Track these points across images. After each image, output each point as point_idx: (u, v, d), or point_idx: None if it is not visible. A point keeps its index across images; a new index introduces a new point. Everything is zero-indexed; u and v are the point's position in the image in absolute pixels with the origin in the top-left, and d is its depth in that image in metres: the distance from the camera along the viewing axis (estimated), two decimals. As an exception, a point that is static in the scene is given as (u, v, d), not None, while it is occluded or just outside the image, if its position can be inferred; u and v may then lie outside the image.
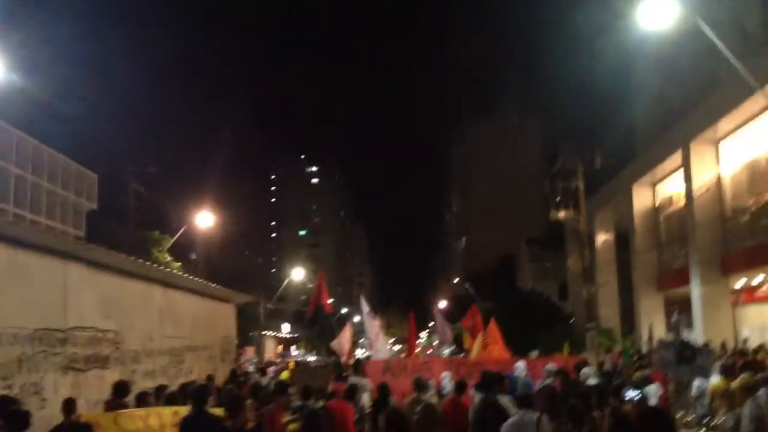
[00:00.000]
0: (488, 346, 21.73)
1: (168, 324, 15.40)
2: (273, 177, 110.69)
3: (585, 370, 13.65)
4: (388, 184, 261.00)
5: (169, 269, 17.92)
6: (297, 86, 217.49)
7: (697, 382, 12.41)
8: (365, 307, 20.70)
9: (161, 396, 11.16)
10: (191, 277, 17.60)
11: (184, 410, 8.70)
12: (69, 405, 8.82)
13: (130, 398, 10.72)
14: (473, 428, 9.38)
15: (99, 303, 12.03)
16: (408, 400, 11.06)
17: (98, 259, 11.87)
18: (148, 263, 13.86)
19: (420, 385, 11.21)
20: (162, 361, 14.65)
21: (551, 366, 13.94)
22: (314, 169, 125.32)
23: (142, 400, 10.57)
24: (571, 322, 36.55)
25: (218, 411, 8.36)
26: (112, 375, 12.07)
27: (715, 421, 10.35)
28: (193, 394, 8.39)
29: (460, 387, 10.81)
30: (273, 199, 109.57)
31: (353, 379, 13.37)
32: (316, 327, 61.29)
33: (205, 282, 18.23)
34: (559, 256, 50.60)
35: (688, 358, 9.60)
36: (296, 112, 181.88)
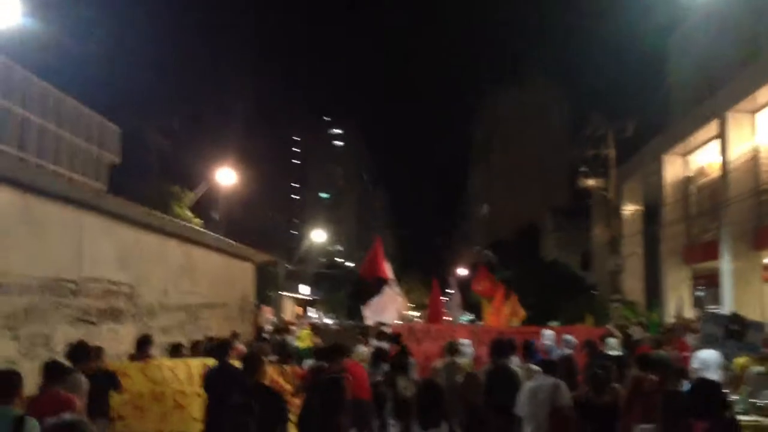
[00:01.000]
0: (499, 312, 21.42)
1: (185, 280, 15.09)
2: (297, 138, 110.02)
3: (610, 341, 13.33)
4: (411, 150, 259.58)
5: (188, 224, 17.58)
6: (323, 47, 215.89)
7: (703, 354, 11.93)
8: (390, 274, 20.42)
9: (197, 350, 11.30)
10: (210, 232, 17.27)
11: (212, 362, 8.85)
12: (98, 352, 8.67)
13: (157, 352, 10.63)
14: (484, 390, 9.45)
15: (115, 255, 11.70)
16: (441, 363, 11.20)
17: (115, 210, 11.52)
18: (166, 216, 13.49)
19: (453, 350, 11.27)
20: (178, 317, 14.36)
21: (569, 336, 13.85)
22: (338, 131, 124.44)
23: (177, 351, 10.52)
24: (593, 293, 36.05)
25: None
26: (127, 329, 11.80)
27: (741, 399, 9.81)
28: (216, 347, 8.62)
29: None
30: (296, 160, 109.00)
31: (375, 343, 13.48)
32: (341, 290, 61.25)
33: (223, 238, 17.88)
34: (583, 226, 49.83)
35: (736, 334, 9.07)
36: (321, 74, 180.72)
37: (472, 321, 31.33)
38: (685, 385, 8.25)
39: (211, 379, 8.11)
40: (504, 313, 20.30)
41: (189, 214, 27.23)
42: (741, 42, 29.00)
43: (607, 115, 26.29)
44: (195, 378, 9.10)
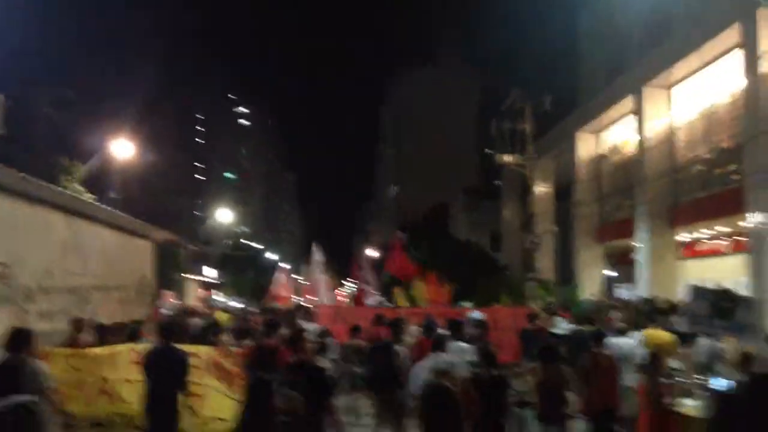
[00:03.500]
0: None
1: (72, 258, 13.40)
2: (200, 117, 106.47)
3: (557, 319, 12.93)
4: (320, 129, 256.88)
5: (76, 196, 15.77)
6: (229, 25, 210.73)
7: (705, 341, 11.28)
8: (318, 256, 20.01)
9: (122, 331, 10.92)
10: (102, 206, 15.54)
11: (141, 346, 8.95)
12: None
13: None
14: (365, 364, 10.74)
15: (-18, 228, 10.01)
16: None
17: (-20, 174, 9.81)
18: (48, 185, 11.78)
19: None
20: (62, 300, 12.66)
21: (477, 314, 14.30)
22: (244, 110, 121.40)
23: (102, 335, 10.42)
24: (507, 272, 35.71)
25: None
26: (-1, 315, 10.16)
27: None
28: (162, 328, 8.55)
29: (428, 330, 11.26)
30: (200, 140, 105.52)
31: (305, 325, 12.91)
32: (247, 272, 59.54)
33: (118, 213, 16.16)
34: (493, 207, 49.73)
35: (725, 312, 8.27)
36: (227, 51, 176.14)
37: (382, 305, 30.26)
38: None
39: (151, 361, 8.04)
40: (443, 294, 19.69)
41: (80, 188, 25.07)
42: (653, 17, 28.84)
43: (523, 90, 25.65)
44: (121, 364, 8.89)
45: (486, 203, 53.83)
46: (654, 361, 8.41)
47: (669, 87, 25.07)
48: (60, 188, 13.65)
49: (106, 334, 10.61)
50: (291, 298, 25.60)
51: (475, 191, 60.09)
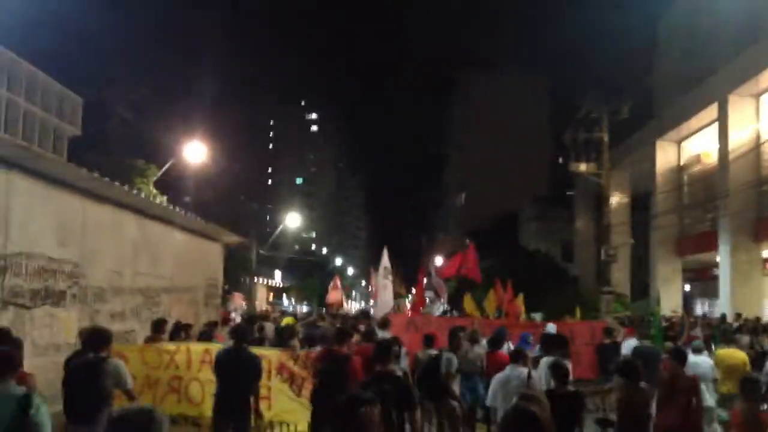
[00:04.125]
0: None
1: (143, 259, 13.31)
2: (270, 122, 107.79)
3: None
4: (388, 135, 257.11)
5: (147, 197, 15.75)
6: (297, 32, 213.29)
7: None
8: (386, 261, 19.65)
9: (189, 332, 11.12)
10: (172, 207, 15.48)
11: (215, 347, 9.02)
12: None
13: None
14: (416, 380, 10.06)
15: (54, 227, 9.91)
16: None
17: (53, 172, 9.70)
18: (119, 185, 11.69)
19: (474, 339, 11.35)
20: (133, 301, 12.58)
21: (551, 328, 13.90)
22: (314, 116, 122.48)
23: (176, 334, 10.56)
24: (578, 284, 34.79)
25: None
26: (69, 314, 10.07)
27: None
28: (236, 330, 8.85)
29: (494, 342, 10.95)
30: (269, 144, 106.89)
31: (381, 334, 12.46)
32: (314, 277, 59.90)
33: (189, 215, 16.10)
34: (564, 216, 48.66)
35: None
36: (297, 58, 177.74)
37: (444, 313, 29.74)
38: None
39: (224, 362, 8.12)
40: (515, 305, 19.16)
41: (154, 190, 25.34)
42: (739, 23, 27.64)
43: (599, 99, 24.74)
44: (194, 363, 9.06)
45: (557, 212, 52.75)
46: (751, 385, 7.67)
47: (757, 95, 23.95)
48: (132, 189, 13.59)
49: (180, 335, 10.69)
50: (342, 302, 25.69)
51: (545, 200, 59.02)
